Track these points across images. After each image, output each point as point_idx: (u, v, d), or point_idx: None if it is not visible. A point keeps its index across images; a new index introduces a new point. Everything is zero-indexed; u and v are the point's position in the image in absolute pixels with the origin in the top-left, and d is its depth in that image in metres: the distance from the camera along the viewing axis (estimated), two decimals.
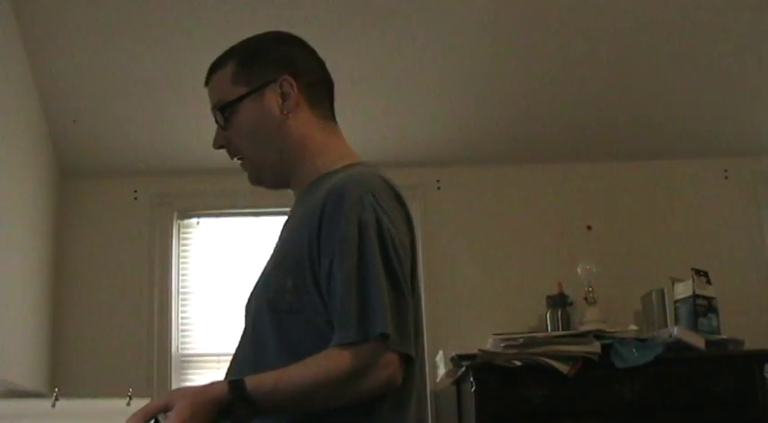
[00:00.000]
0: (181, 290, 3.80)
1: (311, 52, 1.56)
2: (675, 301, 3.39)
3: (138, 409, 1.22)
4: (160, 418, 1.24)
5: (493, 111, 3.68)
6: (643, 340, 3.08)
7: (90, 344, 3.63)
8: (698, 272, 3.37)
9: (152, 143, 3.73)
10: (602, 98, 3.67)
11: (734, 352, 3.15)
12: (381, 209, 1.34)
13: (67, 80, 3.44)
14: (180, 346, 3.74)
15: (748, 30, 3.43)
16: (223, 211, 3.87)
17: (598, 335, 3.04)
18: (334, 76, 1.57)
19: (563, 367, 2.93)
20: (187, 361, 3.74)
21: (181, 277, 3.82)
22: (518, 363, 2.93)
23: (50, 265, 3.66)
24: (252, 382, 1.25)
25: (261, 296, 1.42)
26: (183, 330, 3.77)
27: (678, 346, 3.07)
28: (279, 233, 1.51)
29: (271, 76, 1.49)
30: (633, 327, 3.26)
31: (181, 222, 3.88)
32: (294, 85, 1.49)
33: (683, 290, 3.36)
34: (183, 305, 3.79)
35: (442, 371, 3.29)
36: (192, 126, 3.55)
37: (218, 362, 3.60)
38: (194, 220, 3.89)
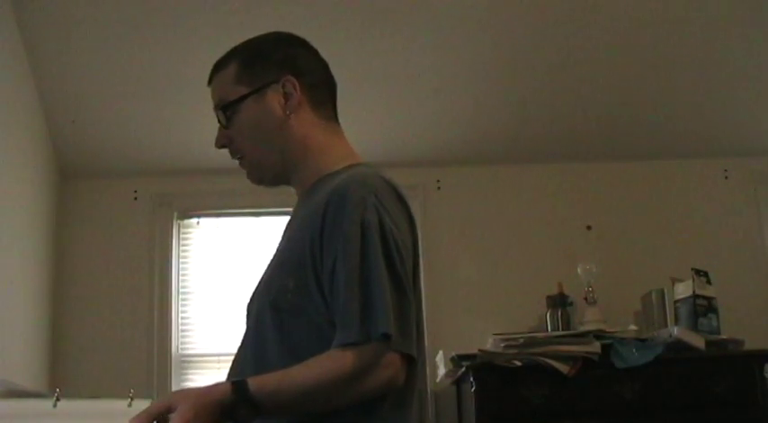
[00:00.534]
0: (181, 290, 3.80)
1: (314, 53, 1.56)
2: (675, 301, 3.39)
3: (139, 411, 1.22)
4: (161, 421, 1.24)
5: (492, 111, 3.68)
6: (643, 340, 3.08)
7: (90, 344, 3.63)
8: (698, 272, 3.37)
9: (152, 143, 3.73)
10: (602, 98, 3.67)
11: (734, 352, 3.15)
12: (384, 209, 1.35)
13: (67, 80, 3.44)
14: (180, 347, 3.74)
15: (748, 30, 3.43)
16: (223, 211, 3.87)
17: (598, 335, 3.04)
18: (334, 75, 1.58)
19: (563, 367, 2.93)
20: (187, 361, 3.74)
21: (181, 277, 3.82)
22: (518, 363, 2.93)
23: (50, 265, 3.66)
24: (254, 382, 1.25)
25: (263, 296, 1.42)
26: (182, 330, 3.77)
27: (678, 346, 3.07)
28: (282, 233, 1.52)
29: (273, 76, 1.49)
30: (633, 327, 3.26)
31: (181, 222, 3.88)
32: (297, 85, 1.49)
33: (683, 290, 3.36)
34: (182, 305, 3.79)
35: (442, 371, 3.29)
36: (192, 126, 3.54)
37: (219, 362, 3.60)
38: (194, 220, 3.89)
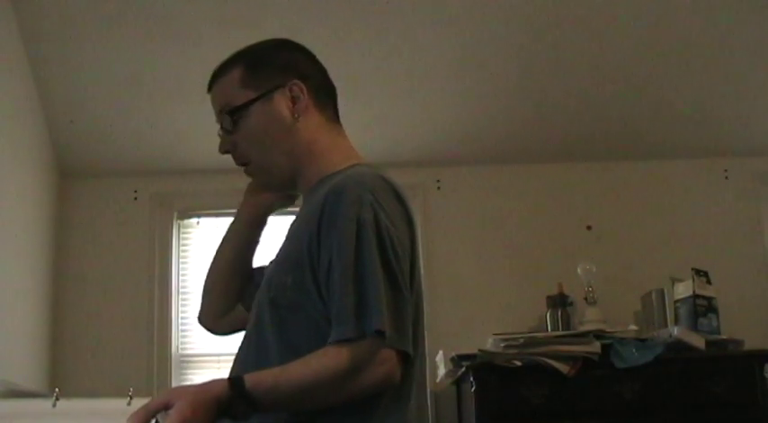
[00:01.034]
0: (181, 290, 3.81)
1: (313, 58, 1.57)
2: (675, 301, 3.39)
3: (138, 408, 1.22)
4: (159, 417, 1.24)
5: (493, 111, 3.68)
6: (643, 340, 3.08)
7: (90, 344, 3.63)
8: (698, 272, 3.37)
9: (152, 143, 3.73)
10: (602, 98, 3.67)
11: (734, 352, 3.15)
12: (380, 207, 1.35)
13: (67, 80, 3.44)
14: (180, 346, 3.75)
15: (748, 30, 3.43)
16: (223, 211, 3.87)
17: (598, 335, 3.04)
18: (334, 76, 1.58)
19: (563, 367, 2.93)
20: (187, 361, 3.74)
21: (181, 277, 3.82)
22: (518, 363, 2.93)
23: (50, 265, 3.66)
24: (251, 379, 1.26)
25: (263, 294, 1.43)
26: (182, 330, 3.77)
27: (678, 346, 3.07)
28: (285, 233, 1.52)
29: (279, 80, 1.50)
30: (633, 327, 3.26)
31: (181, 222, 3.88)
32: (304, 88, 1.50)
33: (683, 290, 3.36)
34: (182, 305, 3.79)
35: (442, 371, 3.29)
36: (192, 126, 3.55)
37: (218, 362, 3.60)
38: (194, 220, 3.89)
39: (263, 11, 3.19)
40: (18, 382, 3.05)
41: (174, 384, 3.62)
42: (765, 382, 3.03)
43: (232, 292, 1.63)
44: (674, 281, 3.43)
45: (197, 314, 1.72)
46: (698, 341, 3.11)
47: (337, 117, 1.57)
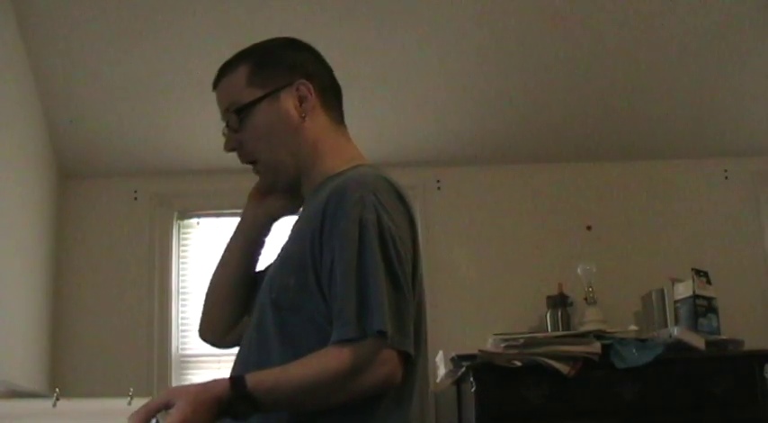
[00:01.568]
0: (181, 290, 3.80)
1: (320, 57, 1.57)
2: (675, 302, 3.39)
3: (138, 408, 1.22)
4: (160, 417, 1.24)
5: (493, 111, 3.69)
6: (643, 340, 3.07)
7: (90, 344, 3.63)
8: (698, 272, 3.37)
9: (152, 143, 3.73)
10: (602, 98, 3.67)
11: (734, 352, 3.15)
12: (383, 208, 1.35)
13: (67, 80, 3.44)
14: (180, 346, 3.74)
15: (748, 30, 3.43)
16: (223, 211, 3.87)
17: (598, 335, 3.04)
18: (336, 76, 1.58)
19: (563, 367, 2.93)
20: (187, 361, 3.74)
21: (181, 277, 3.82)
22: (518, 363, 2.93)
23: (50, 265, 3.66)
24: (252, 379, 1.26)
25: (265, 295, 1.42)
26: (182, 330, 3.77)
27: (678, 346, 3.07)
28: (288, 233, 1.52)
29: (286, 79, 1.50)
30: (633, 327, 3.26)
31: (181, 222, 3.88)
32: (311, 88, 1.50)
33: (683, 290, 3.36)
34: (182, 305, 3.79)
35: (442, 371, 3.29)
36: (192, 126, 3.55)
37: (218, 362, 3.59)
38: (194, 220, 3.89)
39: (263, 11, 3.19)
40: (18, 382, 3.05)
41: (174, 384, 3.62)
42: (765, 382, 3.03)
43: (240, 304, 1.58)
44: (674, 281, 3.43)
45: (198, 330, 1.67)
46: (698, 341, 3.11)
47: (342, 118, 1.56)
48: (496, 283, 3.75)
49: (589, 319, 3.38)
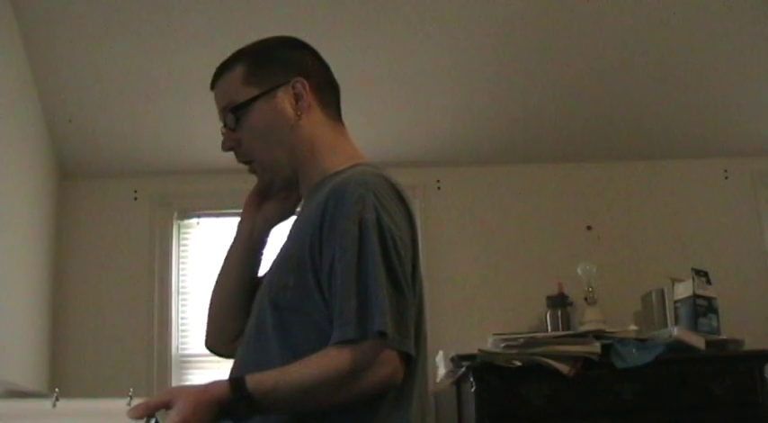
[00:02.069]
0: (181, 290, 3.80)
1: (317, 55, 1.57)
2: (675, 301, 3.38)
3: (139, 403, 1.23)
4: (159, 417, 1.24)
5: (493, 111, 3.68)
6: (643, 340, 3.07)
7: (90, 344, 3.63)
8: (698, 272, 3.36)
9: (152, 143, 3.73)
10: (602, 98, 3.67)
11: (734, 352, 3.15)
12: (382, 207, 1.35)
13: (67, 80, 3.44)
14: (180, 346, 3.74)
15: (748, 30, 3.43)
16: (223, 211, 3.87)
17: (598, 335, 3.04)
18: (335, 76, 1.58)
19: (563, 367, 2.93)
20: (187, 361, 3.74)
21: (181, 277, 3.82)
22: (518, 363, 2.93)
23: (50, 265, 3.66)
24: (252, 380, 1.26)
25: (264, 294, 1.43)
26: (182, 330, 3.77)
27: (678, 346, 3.06)
28: (287, 232, 1.52)
29: (283, 77, 1.50)
30: (633, 327, 3.26)
31: (181, 222, 3.88)
32: (307, 86, 1.50)
33: (683, 290, 3.35)
34: (182, 305, 3.79)
35: (442, 371, 3.29)
36: (192, 126, 3.55)
37: (218, 362, 3.55)
38: (194, 220, 3.89)
39: (263, 11, 3.19)
40: (18, 382, 3.05)
41: (173, 384, 3.62)
42: (765, 382, 3.03)
43: (244, 312, 1.56)
44: (674, 281, 3.43)
45: (205, 341, 1.66)
46: (698, 341, 3.11)
47: (340, 115, 1.56)
48: (496, 283, 3.75)
49: (589, 319, 3.38)
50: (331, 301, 1.32)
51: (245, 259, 1.60)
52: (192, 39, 3.28)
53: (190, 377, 3.71)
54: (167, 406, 1.22)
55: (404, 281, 1.33)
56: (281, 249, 1.47)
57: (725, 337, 3.21)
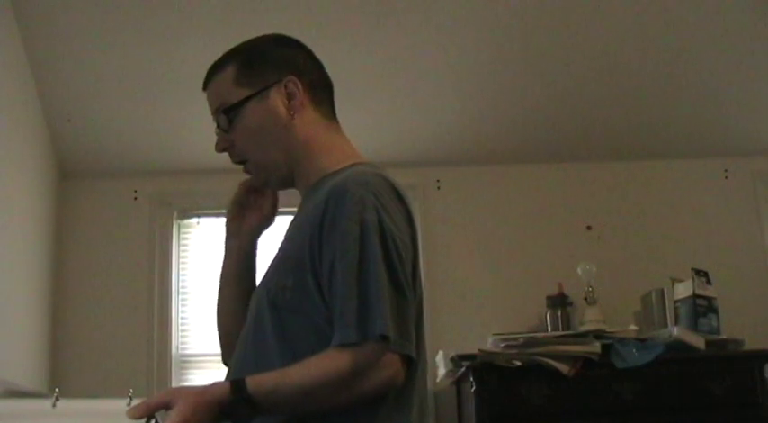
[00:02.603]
0: (181, 290, 3.80)
1: (310, 53, 1.56)
2: (675, 301, 3.38)
3: (139, 402, 1.22)
4: (159, 417, 1.24)
5: (493, 111, 3.68)
6: (643, 340, 3.07)
7: (90, 344, 3.63)
8: (698, 272, 3.36)
9: (152, 143, 3.73)
10: (602, 98, 3.67)
11: (734, 352, 3.15)
12: (383, 208, 1.35)
13: (68, 81, 3.44)
14: (180, 346, 3.74)
15: (748, 30, 3.43)
16: (223, 212, 3.83)
17: (598, 335, 3.04)
18: (334, 76, 1.58)
19: (563, 367, 2.93)
20: (187, 361, 3.74)
21: (181, 277, 3.82)
22: (518, 363, 2.93)
23: (50, 265, 3.66)
24: (252, 382, 1.25)
25: (263, 295, 1.42)
26: (182, 330, 3.77)
27: (678, 346, 3.06)
28: (285, 232, 1.52)
29: (274, 77, 1.49)
30: (633, 327, 3.26)
31: (181, 222, 3.88)
32: (299, 85, 1.49)
33: (683, 290, 3.35)
34: (182, 305, 3.79)
35: (442, 371, 3.29)
36: (192, 126, 3.54)
37: (218, 362, 3.58)
38: (194, 220, 3.89)
39: (262, 10, 3.19)
40: (18, 382, 3.05)
41: (173, 384, 3.62)
42: (765, 382, 3.03)
43: None
44: (674, 281, 3.43)
45: (221, 358, 1.66)
46: (698, 341, 3.11)
47: (334, 113, 1.56)
48: (496, 283, 3.75)
49: (589, 319, 3.38)
50: (331, 303, 1.31)
51: (241, 273, 1.61)
52: (192, 38, 3.27)
53: (190, 377, 3.71)
54: (167, 406, 1.22)
55: (405, 282, 1.33)
56: (279, 250, 1.46)
57: (725, 337, 3.21)
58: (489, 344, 3.06)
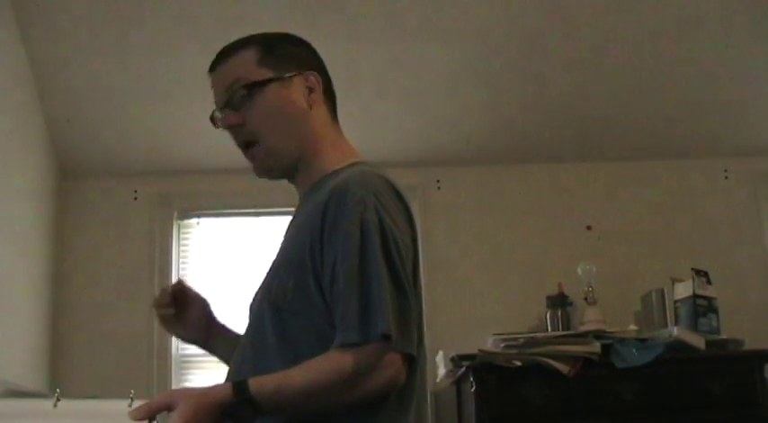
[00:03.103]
0: None
1: (322, 60, 1.58)
2: (675, 301, 3.38)
3: (140, 404, 1.23)
4: (160, 418, 1.24)
5: (493, 111, 3.69)
6: (643, 340, 3.07)
7: (90, 344, 3.63)
8: (698, 272, 3.36)
9: (152, 143, 3.73)
10: (602, 99, 3.67)
11: (734, 352, 3.15)
12: (383, 208, 1.35)
13: (67, 81, 3.44)
14: (180, 346, 3.74)
15: (748, 30, 3.43)
16: (223, 211, 3.87)
17: (598, 335, 3.04)
18: (335, 77, 1.59)
19: (563, 367, 2.93)
20: (187, 361, 3.73)
21: (181, 277, 3.81)
22: (518, 363, 2.93)
23: (50, 265, 3.66)
24: (255, 383, 1.25)
25: (263, 296, 1.42)
26: None
27: (678, 346, 3.06)
28: (284, 232, 1.52)
29: (297, 68, 1.51)
30: (633, 327, 3.26)
31: (181, 222, 3.88)
32: (320, 82, 1.52)
33: (683, 290, 3.35)
34: None
35: (442, 371, 3.29)
36: (192, 126, 3.54)
37: (218, 362, 3.59)
38: (194, 220, 3.89)
39: (263, 11, 3.19)
40: (18, 382, 3.05)
41: (174, 385, 3.62)
42: (765, 382, 3.03)
43: None
44: (674, 281, 3.43)
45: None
46: (698, 341, 3.11)
47: (337, 116, 1.58)
48: (496, 283, 3.75)
49: (589, 319, 3.38)
50: (333, 304, 1.32)
51: (218, 344, 1.68)
52: (193, 39, 3.27)
53: (190, 377, 3.71)
54: (169, 408, 1.22)
55: (406, 282, 1.33)
56: (280, 251, 1.46)
57: (725, 337, 3.21)
58: (489, 344, 3.06)
